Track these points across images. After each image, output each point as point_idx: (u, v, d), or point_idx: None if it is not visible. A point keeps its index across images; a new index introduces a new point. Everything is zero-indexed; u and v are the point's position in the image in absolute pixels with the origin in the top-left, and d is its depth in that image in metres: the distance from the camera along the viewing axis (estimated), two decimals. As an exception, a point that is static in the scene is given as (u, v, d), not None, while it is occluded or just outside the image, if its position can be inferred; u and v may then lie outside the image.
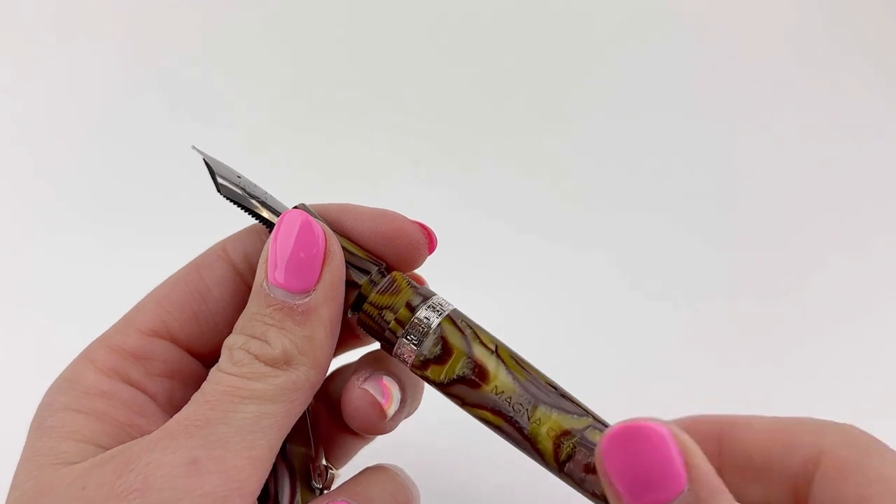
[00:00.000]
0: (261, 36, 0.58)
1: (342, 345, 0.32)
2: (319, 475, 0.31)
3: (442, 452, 0.39)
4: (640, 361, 0.49)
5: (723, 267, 0.53)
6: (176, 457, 0.23)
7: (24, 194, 0.52)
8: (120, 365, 0.27)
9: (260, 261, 0.26)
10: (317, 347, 0.26)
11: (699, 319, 0.51)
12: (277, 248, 0.26)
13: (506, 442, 0.27)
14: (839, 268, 0.53)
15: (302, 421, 0.30)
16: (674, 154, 0.57)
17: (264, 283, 0.26)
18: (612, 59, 0.59)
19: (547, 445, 0.26)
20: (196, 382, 0.27)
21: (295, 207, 0.28)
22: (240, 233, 0.30)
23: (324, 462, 0.32)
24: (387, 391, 0.28)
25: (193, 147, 0.29)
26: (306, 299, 0.26)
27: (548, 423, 0.26)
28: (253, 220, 0.29)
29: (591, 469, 0.25)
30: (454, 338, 0.27)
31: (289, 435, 0.30)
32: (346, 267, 0.27)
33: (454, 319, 0.27)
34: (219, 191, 0.28)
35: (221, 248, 0.29)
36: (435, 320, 0.27)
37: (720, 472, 0.23)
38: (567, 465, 0.26)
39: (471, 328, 0.27)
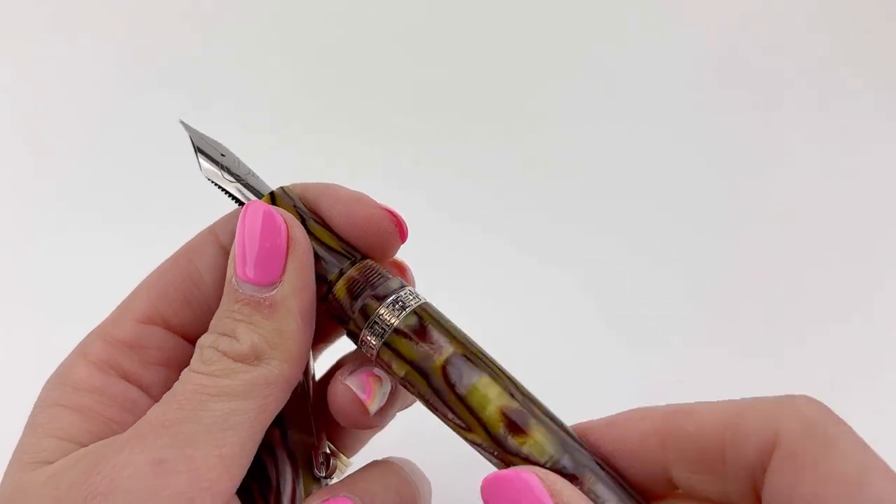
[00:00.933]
0: (260, 36, 0.58)
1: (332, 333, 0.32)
2: (322, 463, 0.31)
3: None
4: (637, 365, 0.49)
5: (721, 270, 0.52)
6: (143, 457, 0.23)
7: (25, 194, 0.53)
8: (114, 357, 0.27)
9: (230, 256, 0.26)
10: (288, 340, 0.25)
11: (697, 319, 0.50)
12: (242, 242, 0.25)
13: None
14: (838, 266, 0.52)
15: (304, 409, 0.30)
16: (670, 154, 0.56)
17: (233, 279, 0.25)
18: (607, 63, 0.59)
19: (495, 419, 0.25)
20: None
21: (273, 191, 0.28)
22: (229, 215, 0.29)
23: (327, 450, 0.32)
24: (369, 387, 0.27)
25: (181, 121, 0.28)
26: (272, 292, 0.25)
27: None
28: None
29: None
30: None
31: (290, 423, 0.29)
32: (319, 259, 0.27)
33: (420, 314, 0.26)
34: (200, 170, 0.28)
35: (211, 231, 0.29)
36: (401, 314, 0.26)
37: (667, 467, 0.22)
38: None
39: (438, 323, 0.26)
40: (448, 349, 0.25)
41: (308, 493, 0.29)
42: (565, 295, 0.51)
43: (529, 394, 0.25)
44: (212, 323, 0.26)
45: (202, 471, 0.23)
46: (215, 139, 0.29)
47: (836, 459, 0.19)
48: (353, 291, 0.26)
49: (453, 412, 0.25)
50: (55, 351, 0.30)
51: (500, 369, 0.26)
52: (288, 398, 0.26)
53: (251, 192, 0.28)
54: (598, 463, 0.23)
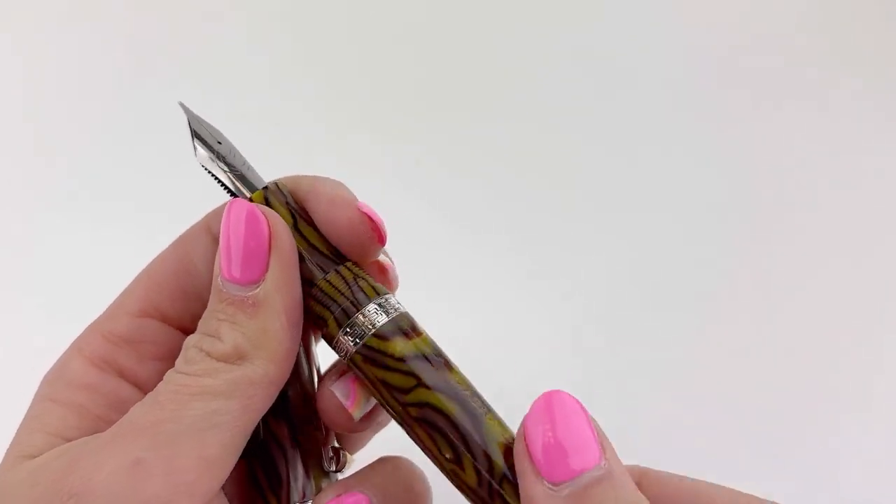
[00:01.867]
0: (263, 31, 0.59)
1: None
2: (332, 458, 0.30)
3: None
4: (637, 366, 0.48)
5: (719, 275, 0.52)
6: (119, 458, 0.22)
7: (27, 192, 0.53)
8: (110, 353, 0.27)
9: (216, 254, 0.26)
10: (272, 339, 0.25)
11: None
12: (226, 241, 0.25)
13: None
14: (839, 269, 0.52)
15: (311, 403, 0.30)
16: (668, 155, 0.56)
17: (218, 279, 0.25)
18: (606, 62, 0.59)
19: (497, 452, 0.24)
20: None
21: (267, 185, 0.28)
22: (222, 207, 0.29)
23: (336, 444, 0.31)
24: (353, 393, 0.27)
25: (180, 104, 0.28)
26: (256, 290, 0.25)
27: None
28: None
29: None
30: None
31: (298, 418, 0.29)
32: (305, 262, 0.26)
33: (398, 322, 0.26)
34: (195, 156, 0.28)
35: (205, 223, 0.29)
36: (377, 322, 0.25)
37: None
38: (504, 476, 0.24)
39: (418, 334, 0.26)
40: None
41: (318, 488, 0.29)
42: (563, 299, 0.51)
43: (486, 403, 0.25)
44: (199, 323, 0.26)
45: (180, 473, 0.23)
46: (214, 126, 0.28)
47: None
48: (333, 296, 0.26)
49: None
50: (55, 351, 0.31)
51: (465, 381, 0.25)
52: (275, 398, 0.26)
53: (243, 184, 0.27)
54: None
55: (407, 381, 0.24)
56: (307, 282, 0.26)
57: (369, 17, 0.59)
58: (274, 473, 0.29)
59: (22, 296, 0.49)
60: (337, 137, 0.56)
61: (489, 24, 0.60)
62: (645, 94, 0.58)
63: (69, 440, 0.25)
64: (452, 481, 0.25)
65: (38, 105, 0.55)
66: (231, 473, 0.25)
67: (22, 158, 0.54)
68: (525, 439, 0.22)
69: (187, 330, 0.28)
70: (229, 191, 0.28)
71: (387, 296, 0.26)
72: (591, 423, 0.22)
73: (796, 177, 0.55)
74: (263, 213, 0.25)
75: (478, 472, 0.24)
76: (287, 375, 0.26)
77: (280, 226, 0.26)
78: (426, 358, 0.25)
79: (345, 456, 0.31)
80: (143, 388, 0.27)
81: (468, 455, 0.24)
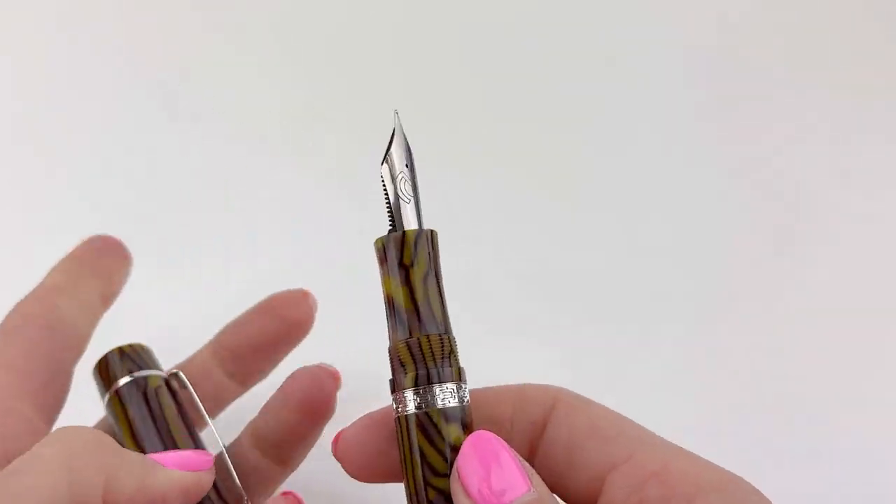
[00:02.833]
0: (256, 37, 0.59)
1: None
2: None
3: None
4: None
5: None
6: None
7: (24, 200, 0.53)
8: None
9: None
10: None
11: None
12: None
13: None
14: (841, 268, 0.52)
15: (229, 477, 0.31)
16: (668, 154, 0.56)
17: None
18: (604, 64, 0.59)
19: None
20: None
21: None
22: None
23: None
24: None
25: (395, 112, 0.28)
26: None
27: None
28: None
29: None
30: None
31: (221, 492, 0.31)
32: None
33: None
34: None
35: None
36: None
37: None
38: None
39: None
40: None
41: None
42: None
43: None
44: None
45: None
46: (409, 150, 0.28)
47: (600, 407, 0.26)
48: (426, 355, 0.26)
49: None
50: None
51: None
52: None
53: (400, 215, 0.27)
54: None
55: (443, 466, 0.25)
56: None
57: (370, 18, 0.59)
58: None
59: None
60: (337, 137, 0.56)
61: (485, 23, 0.60)
62: (643, 94, 0.58)
63: None
64: None
65: (49, 117, 0.56)
66: None
67: (27, 174, 0.54)
68: (461, 482, 0.24)
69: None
70: (390, 214, 0.27)
71: (466, 387, 0.26)
72: (516, 458, 0.24)
73: (797, 177, 0.55)
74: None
75: None
76: None
77: None
78: None
79: None
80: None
81: None
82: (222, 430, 0.33)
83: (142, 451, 0.31)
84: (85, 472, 0.24)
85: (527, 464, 0.24)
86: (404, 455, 0.25)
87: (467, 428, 0.25)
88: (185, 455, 0.29)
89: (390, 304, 0.26)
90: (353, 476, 0.27)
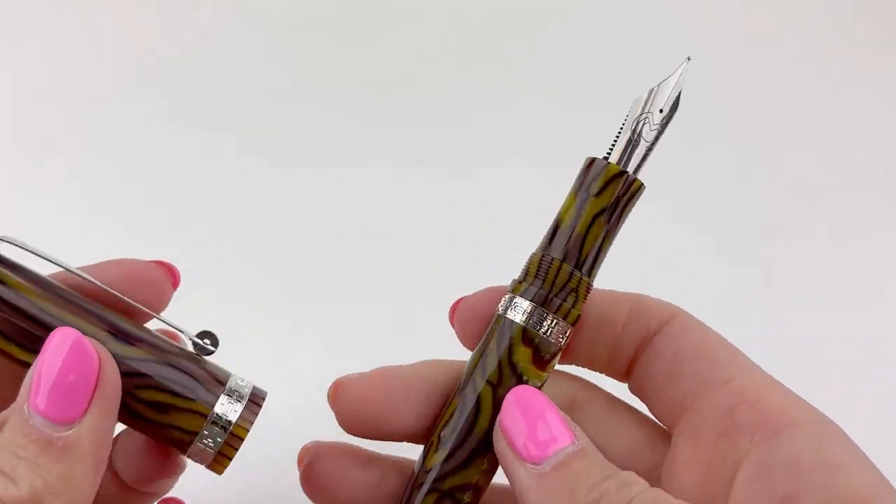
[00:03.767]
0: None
1: None
2: None
3: None
4: None
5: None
6: None
7: (22, 196, 0.52)
8: None
9: (24, 381, 0.23)
10: (74, 486, 0.22)
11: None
12: (43, 369, 0.22)
13: None
14: (842, 268, 0.52)
15: None
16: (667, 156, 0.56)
17: (25, 407, 0.22)
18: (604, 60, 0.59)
19: None
20: None
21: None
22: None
23: None
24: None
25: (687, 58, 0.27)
26: (68, 432, 0.22)
27: None
28: None
29: None
30: None
31: None
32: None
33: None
34: None
35: None
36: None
37: None
38: None
39: None
40: None
41: None
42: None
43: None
44: None
45: None
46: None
47: (714, 332, 0.26)
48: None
49: None
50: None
51: None
52: None
53: (631, 153, 0.26)
54: None
55: (495, 376, 0.26)
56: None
57: (370, 18, 0.59)
58: None
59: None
60: (336, 138, 0.56)
61: (481, 21, 0.60)
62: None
63: None
64: None
65: (49, 113, 0.55)
66: None
67: (25, 172, 0.54)
68: (506, 438, 0.24)
69: None
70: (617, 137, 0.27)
71: (563, 337, 0.26)
72: (559, 414, 0.24)
73: (797, 177, 0.55)
74: (94, 347, 0.24)
75: None
76: None
77: (109, 363, 0.24)
78: None
79: None
80: None
81: None
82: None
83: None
84: None
85: (573, 422, 0.24)
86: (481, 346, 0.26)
87: (539, 365, 0.26)
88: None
89: (558, 217, 0.27)
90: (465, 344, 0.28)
